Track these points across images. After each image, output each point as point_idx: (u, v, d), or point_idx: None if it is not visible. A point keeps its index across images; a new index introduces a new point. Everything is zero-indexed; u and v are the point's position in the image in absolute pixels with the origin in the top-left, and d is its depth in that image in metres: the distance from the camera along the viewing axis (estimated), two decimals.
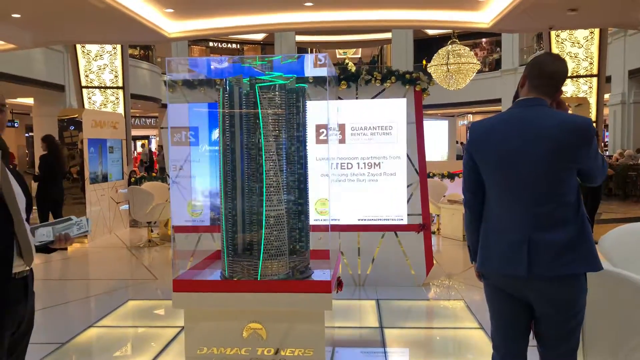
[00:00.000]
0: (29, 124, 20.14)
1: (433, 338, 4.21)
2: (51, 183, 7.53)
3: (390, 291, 5.15)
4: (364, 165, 5.30)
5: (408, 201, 5.30)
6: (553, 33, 14.23)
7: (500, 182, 2.17)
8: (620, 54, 17.37)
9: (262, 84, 3.25)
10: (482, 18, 10.43)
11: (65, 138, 8.18)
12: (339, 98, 5.33)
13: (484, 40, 26.87)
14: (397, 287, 5.27)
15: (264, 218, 3.23)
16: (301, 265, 3.40)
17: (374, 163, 5.29)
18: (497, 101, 22.94)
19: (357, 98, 5.31)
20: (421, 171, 5.30)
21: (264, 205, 3.23)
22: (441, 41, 21.03)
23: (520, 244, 2.11)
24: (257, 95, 3.23)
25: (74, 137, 8.16)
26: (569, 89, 14.66)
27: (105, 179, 8.86)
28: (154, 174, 10.60)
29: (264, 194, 3.23)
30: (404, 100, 5.25)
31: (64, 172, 7.83)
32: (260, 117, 3.22)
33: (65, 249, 7.33)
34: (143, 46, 22.61)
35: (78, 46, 13.34)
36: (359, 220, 5.32)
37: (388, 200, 5.32)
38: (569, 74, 14.43)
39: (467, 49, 15.13)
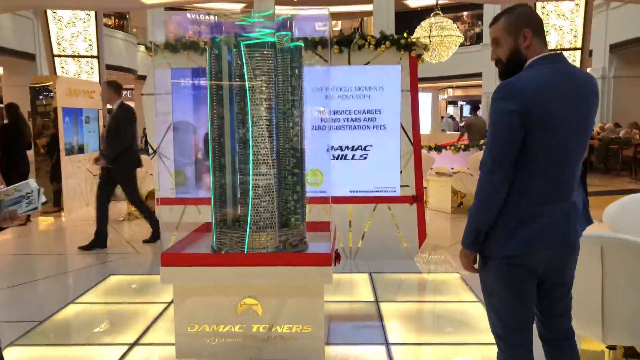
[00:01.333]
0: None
1: (432, 312, 4.09)
2: (15, 154, 7.17)
3: (383, 264, 5.02)
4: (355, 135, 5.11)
5: (401, 172, 5.13)
6: (539, 4, 14.10)
7: (556, 145, 1.90)
8: (602, 28, 17.33)
9: (249, 42, 2.99)
10: None
11: (38, 107, 7.78)
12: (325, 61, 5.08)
13: (465, 13, 26.63)
14: (389, 260, 5.14)
15: (250, 188, 3.01)
16: (294, 239, 3.20)
17: (366, 134, 5.09)
18: (478, 75, 22.83)
19: (349, 64, 5.07)
20: (415, 142, 5.12)
21: (251, 174, 3.01)
22: (423, 14, 20.74)
23: (570, 210, 1.96)
24: (243, 55, 2.97)
25: (47, 106, 7.76)
26: None
27: (81, 150, 8.49)
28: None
29: (250, 162, 3.01)
30: (399, 67, 5.04)
31: (26, 143, 7.45)
32: (247, 79, 2.97)
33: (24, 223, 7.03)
34: (118, 15, 21.80)
35: (49, 12, 12.72)
36: (350, 192, 5.14)
37: (380, 171, 5.14)
38: (554, 47, 14.40)
39: (450, 21, 14.89)
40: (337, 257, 3.22)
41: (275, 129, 3.13)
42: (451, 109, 30.99)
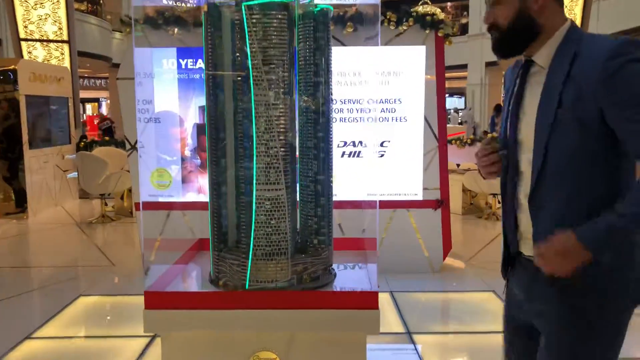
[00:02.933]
0: None
1: (484, 346, 3.35)
2: None
3: (405, 281, 4.29)
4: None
5: (424, 172, 4.40)
6: None
7: None
8: (594, 19, 16.92)
9: (253, 2, 2.19)
10: None
11: None
12: (342, 44, 4.31)
13: (449, 4, 26.18)
14: (410, 274, 4.41)
15: (253, 201, 2.23)
16: (315, 268, 2.43)
17: (384, 127, 4.34)
18: (464, 67, 22.35)
19: (365, 44, 4.30)
20: (441, 137, 4.39)
21: (254, 183, 2.23)
22: (411, 3, 20.06)
23: None
24: (245, 21, 2.19)
25: (8, 93, 6.82)
26: None
27: (48, 143, 7.57)
28: (107, 138, 9.30)
29: (255, 167, 2.23)
30: (423, 47, 4.29)
31: None
32: (249, 54, 2.19)
33: None
34: (90, 0, 20.63)
35: None
36: (368, 195, 4.38)
37: (399, 171, 4.41)
38: None
39: (439, 10, 14.25)
40: None
41: (289, 123, 2.34)
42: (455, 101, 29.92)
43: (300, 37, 2.38)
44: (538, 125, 1.40)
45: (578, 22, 13.64)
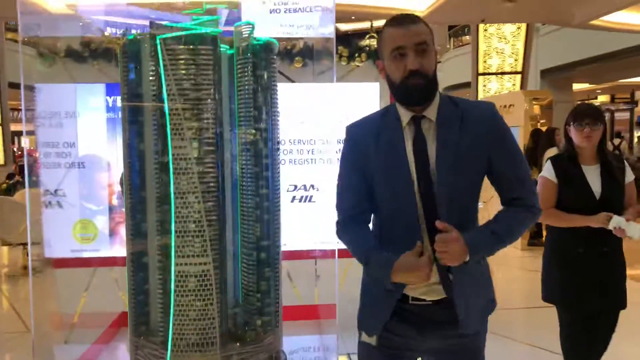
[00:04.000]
0: None
1: None
2: None
3: None
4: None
5: None
6: (481, 27, 13.82)
7: None
8: (533, 54, 17.56)
9: (170, 35, 1.78)
10: (418, 5, 9.56)
11: None
12: (291, 81, 3.97)
13: None
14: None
15: (172, 279, 1.80)
16: (258, 358, 1.99)
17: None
18: None
19: (314, 81, 3.97)
20: None
21: (172, 256, 1.80)
22: (359, 36, 20.20)
23: None
24: (160, 56, 1.78)
25: None
26: (493, 85, 14.36)
27: None
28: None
29: (172, 236, 1.80)
30: (377, 85, 4.00)
31: None
32: (165, 94, 1.77)
33: None
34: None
35: None
36: (322, 243, 3.98)
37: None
38: (494, 71, 14.15)
39: None
40: None
41: (219, 180, 1.92)
42: None
43: (239, 73, 2.00)
44: (445, 172, 1.52)
45: (520, 57, 14.01)
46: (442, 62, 20.37)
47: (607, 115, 16.19)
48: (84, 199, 3.79)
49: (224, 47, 2.02)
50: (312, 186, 4.00)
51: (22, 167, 13.35)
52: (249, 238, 2.04)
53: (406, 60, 1.50)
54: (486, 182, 1.61)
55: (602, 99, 21.46)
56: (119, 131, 3.81)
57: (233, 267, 2.09)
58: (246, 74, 2.00)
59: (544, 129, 6.96)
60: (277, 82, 2.08)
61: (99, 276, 3.94)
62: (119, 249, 3.83)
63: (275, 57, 2.10)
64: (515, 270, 6.05)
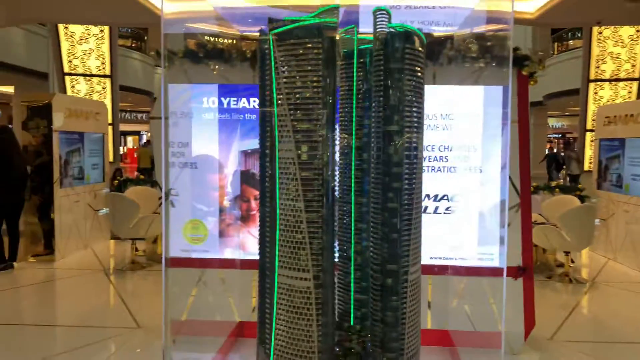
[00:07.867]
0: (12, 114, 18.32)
1: None
2: (3, 184, 5.92)
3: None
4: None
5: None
6: (595, 30, 12.80)
7: None
8: None
9: (284, 28, 1.63)
10: (526, 7, 8.93)
11: (30, 130, 6.51)
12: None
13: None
14: (485, 354, 3.67)
15: (275, 294, 1.65)
16: None
17: (454, 178, 3.70)
18: None
19: (434, 82, 3.71)
20: (523, 191, 3.72)
21: (277, 266, 1.65)
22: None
23: None
24: (272, 51, 1.64)
25: (42, 129, 6.50)
26: (605, 93, 13.22)
27: (80, 181, 7.20)
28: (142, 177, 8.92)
29: (277, 249, 1.65)
30: (500, 87, 3.67)
31: (17, 172, 6.11)
32: (275, 90, 1.63)
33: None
34: (135, 36, 20.94)
35: (61, 27, 11.70)
36: (431, 258, 3.71)
37: (472, 231, 3.74)
38: (608, 77, 13.02)
39: None
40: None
41: (325, 187, 1.74)
42: None
43: (374, 68, 1.81)
44: None
45: (639, 62, 12.80)
46: (545, 67, 19.23)
47: None
48: (195, 199, 3.79)
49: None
50: (427, 196, 3.74)
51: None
52: (375, 259, 1.84)
53: None
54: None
55: None
56: (232, 132, 3.79)
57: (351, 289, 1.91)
58: (379, 68, 1.81)
59: None
60: (423, 81, 1.87)
61: (206, 278, 3.91)
62: (229, 252, 3.80)
63: (416, 49, 1.88)
64: None
